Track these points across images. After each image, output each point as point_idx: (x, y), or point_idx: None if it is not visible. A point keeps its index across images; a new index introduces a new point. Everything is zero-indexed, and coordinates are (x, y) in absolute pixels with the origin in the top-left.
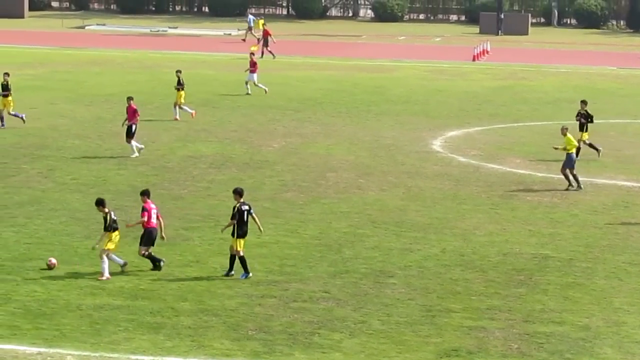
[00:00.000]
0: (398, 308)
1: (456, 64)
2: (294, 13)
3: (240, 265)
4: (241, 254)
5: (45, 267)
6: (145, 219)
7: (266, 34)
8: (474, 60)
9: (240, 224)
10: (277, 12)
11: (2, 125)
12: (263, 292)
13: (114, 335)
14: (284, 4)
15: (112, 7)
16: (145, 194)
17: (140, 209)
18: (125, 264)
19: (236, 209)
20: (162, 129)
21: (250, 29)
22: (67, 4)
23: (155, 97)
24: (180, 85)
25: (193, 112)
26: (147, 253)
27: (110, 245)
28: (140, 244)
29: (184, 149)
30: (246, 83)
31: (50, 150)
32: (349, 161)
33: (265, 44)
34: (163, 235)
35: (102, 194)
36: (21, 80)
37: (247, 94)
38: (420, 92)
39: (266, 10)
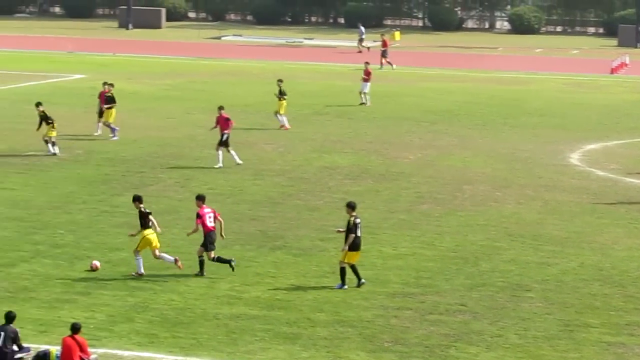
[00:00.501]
0: (535, 322)
1: (594, 77)
2: (430, 25)
3: (353, 274)
4: (344, 265)
5: (90, 269)
6: (198, 227)
7: (385, 45)
8: (612, 73)
9: (356, 237)
10: (413, 24)
11: (114, 136)
12: (399, 304)
13: (250, 345)
14: (420, 16)
15: (248, 18)
16: (200, 198)
17: (195, 215)
18: (173, 259)
19: (351, 222)
20: (298, 140)
21: (361, 40)
22: (204, 15)
23: (291, 107)
24: (281, 95)
25: (287, 126)
26: (215, 257)
27: (142, 246)
28: (205, 250)
29: (319, 160)
30: (360, 93)
31: (187, 160)
32: (486, 174)
33: (384, 55)
34: (222, 234)
35: (238, 204)
36: (158, 91)
37: (362, 103)
38: (557, 105)
39: (402, 21)
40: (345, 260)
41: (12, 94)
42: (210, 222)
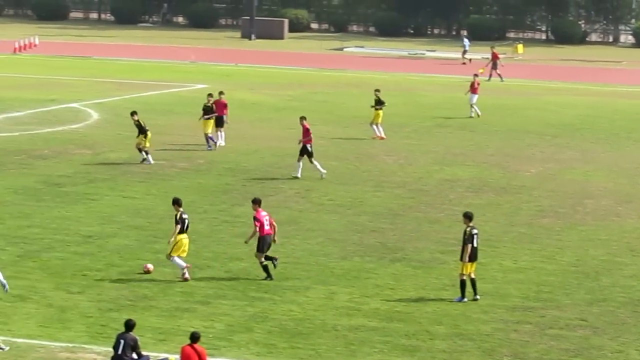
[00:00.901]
0: None
1: None
2: (553, 38)
3: (471, 288)
4: (464, 277)
5: (142, 271)
6: (257, 229)
7: (495, 57)
8: None
9: (472, 248)
10: (536, 37)
11: (209, 147)
12: (519, 318)
13: (369, 356)
14: (543, 29)
15: (370, 29)
16: (256, 202)
17: (252, 218)
18: (185, 269)
19: (467, 233)
20: (419, 152)
21: (465, 52)
22: (326, 26)
23: (412, 119)
24: (378, 105)
25: (382, 136)
26: (263, 259)
27: (175, 252)
28: (257, 251)
29: (440, 172)
30: (471, 105)
31: (308, 171)
32: (608, 188)
33: (494, 67)
34: (275, 239)
35: (359, 216)
36: (280, 101)
37: (476, 115)
38: None
39: (525, 34)
40: (464, 272)
41: (135, 103)
42: (267, 226)
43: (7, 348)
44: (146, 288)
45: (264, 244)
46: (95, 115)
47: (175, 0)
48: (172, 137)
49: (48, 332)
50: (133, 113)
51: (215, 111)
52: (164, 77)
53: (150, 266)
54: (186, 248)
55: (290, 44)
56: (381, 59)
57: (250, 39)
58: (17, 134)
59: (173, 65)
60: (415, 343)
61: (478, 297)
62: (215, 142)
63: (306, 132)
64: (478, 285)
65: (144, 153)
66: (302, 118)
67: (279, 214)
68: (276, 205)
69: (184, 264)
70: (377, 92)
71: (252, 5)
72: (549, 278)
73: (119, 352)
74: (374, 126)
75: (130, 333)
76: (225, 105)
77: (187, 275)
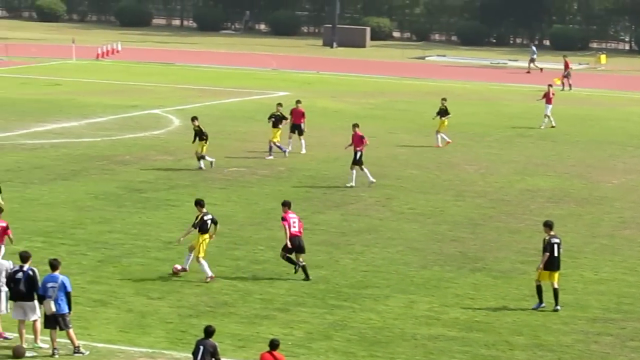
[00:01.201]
0: None
1: None
2: (636, 48)
3: (554, 297)
4: (539, 283)
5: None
6: (286, 228)
7: (567, 66)
8: None
9: (551, 256)
10: (620, 47)
11: (270, 155)
12: (599, 330)
13: None
14: (627, 39)
15: (452, 38)
16: (285, 204)
17: (281, 218)
18: (183, 267)
19: (546, 241)
20: (500, 162)
21: (532, 60)
22: (408, 34)
23: (494, 129)
24: (444, 114)
25: (446, 141)
26: (285, 256)
27: (202, 253)
28: (282, 249)
29: (522, 182)
30: (545, 116)
31: (388, 179)
32: None
33: (566, 76)
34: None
35: (439, 225)
36: (361, 109)
37: (549, 126)
38: None
39: (608, 44)
40: (540, 279)
41: (216, 110)
42: (294, 228)
43: (87, 352)
44: (226, 295)
45: (293, 243)
46: (176, 122)
47: (258, 8)
48: (253, 144)
49: (128, 337)
50: (194, 118)
51: (286, 120)
52: (246, 85)
53: (178, 267)
54: (205, 248)
55: (372, 52)
56: (463, 68)
57: (332, 46)
58: (99, 139)
59: (254, 73)
60: (494, 353)
61: (559, 307)
62: (285, 151)
63: (359, 139)
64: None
65: (201, 162)
66: (355, 125)
67: (359, 222)
68: (356, 213)
69: (188, 262)
70: (443, 101)
71: (334, 13)
72: (630, 290)
73: (198, 358)
74: (438, 135)
75: (210, 339)
76: (302, 114)
77: (184, 267)
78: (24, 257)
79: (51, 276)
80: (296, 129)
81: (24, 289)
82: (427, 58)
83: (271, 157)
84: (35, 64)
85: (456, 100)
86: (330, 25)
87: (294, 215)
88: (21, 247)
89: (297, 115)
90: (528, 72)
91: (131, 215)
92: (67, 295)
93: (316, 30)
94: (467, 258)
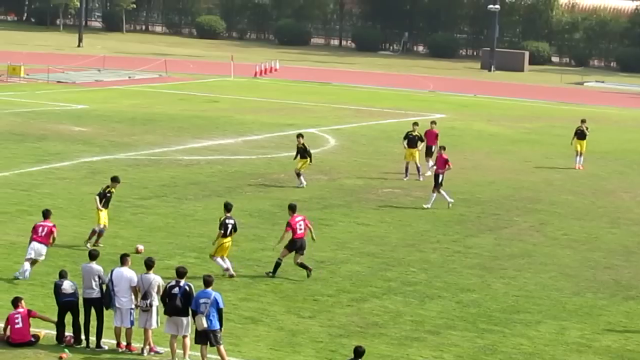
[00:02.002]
0: None
1: None
2: None
3: None
4: None
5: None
6: (287, 234)
7: None
8: None
9: None
10: None
11: (419, 177)
12: None
13: None
14: None
15: (612, 64)
16: (291, 208)
17: (286, 224)
18: (227, 270)
19: None
20: None
21: None
22: (567, 59)
23: None
24: (582, 136)
25: (580, 166)
26: (300, 262)
27: (218, 254)
28: (289, 251)
29: None
30: None
31: (543, 204)
32: None
33: None
34: (313, 237)
35: (593, 252)
36: (517, 134)
37: None
38: None
39: None
40: None
41: (372, 130)
42: (300, 230)
43: None
44: (377, 315)
45: (294, 245)
46: (332, 141)
47: (416, 30)
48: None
49: (278, 355)
50: (299, 136)
51: (424, 141)
52: (402, 106)
53: (140, 247)
54: (227, 250)
55: (530, 76)
56: (621, 94)
57: (490, 70)
58: (254, 157)
59: (411, 94)
60: None
61: None
62: (421, 175)
63: (444, 162)
64: None
65: (301, 178)
66: (442, 148)
67: (512, 246)
68: (510, 237)
69: (224, 265)
70: (583, 124)
71: (493, 36)
72: None
73: None
74: (578, 157)
75: None
76: (436, 136)
77: (231, 272)
78: (181, 272)
79: (204, 292)
80: (428, 150)
81: (179, 304)
82: (585, 84)
83: (421, 179)
84: (194, 81)
85: (613, 126)
86: (488, 49)
87: (300, 218)
88: (175, 262)
89: (431, 137)
90: None
91: None
92: (219, 311)
93: (474, 53)
94: (621, 286)
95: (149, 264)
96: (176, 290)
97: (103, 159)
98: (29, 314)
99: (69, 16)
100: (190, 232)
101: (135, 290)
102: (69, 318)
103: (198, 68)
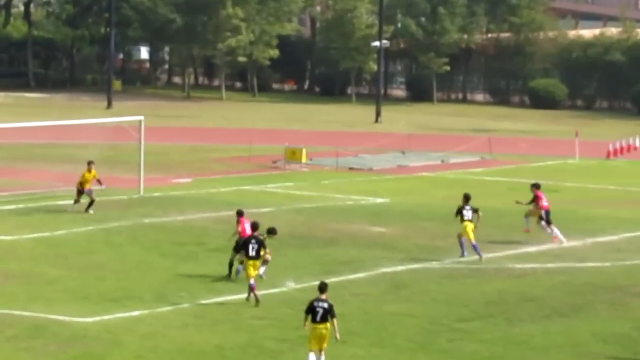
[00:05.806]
0: None
1: None
2: None
3: None
4: None
5: None
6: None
7: None
8: None
9: None
10: None
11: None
12: None
13: None
14: None
15: None
16: (239, 214)
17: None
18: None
19: None
20: None
21: None
22: None
23: None
24: None
25: None
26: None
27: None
28: (237, 252)
29: None
30: None
31: None
32: None
33: None
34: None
35: None
36: None
37: None
38: None
39: None
40: None
41: None
42: (248, 230)
43: None
44: None
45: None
46: None
47: None
48: None
49: None
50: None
51: None
52: None
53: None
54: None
55: None
56: None
57: None
58: (608, 264)
59: None
60: None
61: None
62: None
63: (537, 199)
64: None
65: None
66: (536, 186)
67: None
68: None
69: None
70: None
71: None
72: None
73: None
74: None
75: None
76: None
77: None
78: None
79: None
80: None
81: None
82: None
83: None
84: (526, 164)
85: None
86: None
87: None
88: None
89: None
90: None
91: None
92: None
93: None
94: None
95: None
96: None
97: (409, 268)
98: None
99: (363, 83)
100: None
101: None
102: None
103: (532, 147)
